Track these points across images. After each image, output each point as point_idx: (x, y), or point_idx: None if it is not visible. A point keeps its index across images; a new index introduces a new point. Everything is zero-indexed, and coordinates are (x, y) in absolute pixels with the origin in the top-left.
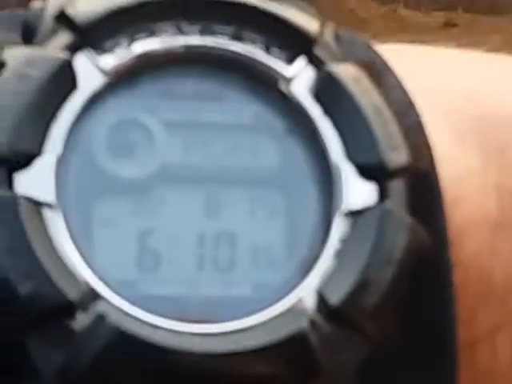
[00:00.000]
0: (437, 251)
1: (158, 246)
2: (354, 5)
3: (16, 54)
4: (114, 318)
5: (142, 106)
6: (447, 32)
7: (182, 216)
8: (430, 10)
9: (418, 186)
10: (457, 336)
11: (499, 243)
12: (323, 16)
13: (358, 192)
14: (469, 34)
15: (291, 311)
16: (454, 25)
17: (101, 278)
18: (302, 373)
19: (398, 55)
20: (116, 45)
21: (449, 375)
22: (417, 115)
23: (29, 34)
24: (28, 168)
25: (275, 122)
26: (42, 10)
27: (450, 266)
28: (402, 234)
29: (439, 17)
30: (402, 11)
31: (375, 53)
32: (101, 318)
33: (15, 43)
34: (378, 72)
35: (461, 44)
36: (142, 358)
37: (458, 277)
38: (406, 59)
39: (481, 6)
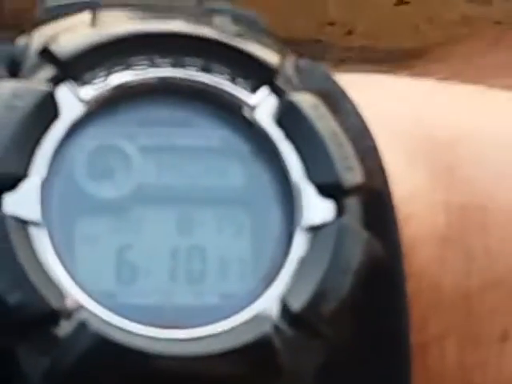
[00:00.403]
0: (391, 263)
1: (135, 260)
2: None
3: (3, 87)
4: (94, 326)
5: (119, 133)
6: (400, 9)
7: (156, 232)
8: None
9: (372, 203)
10: (409, 340)
11: (447, 255)
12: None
13: (317, 209)
14: (421, 10)
15: (257, 317)
16: (407, 2)
17: (83, 289)
18: (266, 374)
19: (354, 84)
20: (95, 77)
21: (402, 377)
22: (371, 139)
23: (14, 68)
24: (15, 190)
25: (241, 145)
26: (26, 45)
27: (403, 276)
28: (358, 246)
29: None
30: None
31: (333, 82)
32: (83, 325)
33: (2, 77)
34: (335, 99)
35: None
36: (119, 361)
37: (411, 286)
38: (361, 87)
39: None
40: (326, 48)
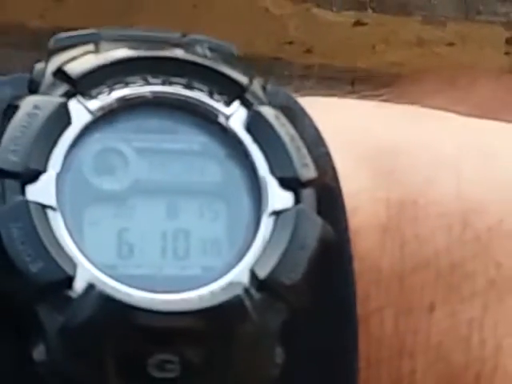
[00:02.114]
0: (340, 245)
1: (132, 240)
2: (269, 3)
3: (26, 101)
4: (100, 288)
5: (118, 138)
6: (358, 30)
7: (149, 218)
8: (341, 10)
9: (325, 195)
10: (355, 308)
11: (386, 242)
12: (239, 14)
13: (279, 198)
14: (377, 31)
15: (231, 284)
16: (364, 23)
17: (91, 262)
18: (238, 328)
19: (312, 103)
20: (100, 92)
21: (351, 340)
22: (325, 146)
23: (34, 87)
24: (36, 181)
25: (217, 148)
26: (43, 69)
27: (350, 257)
28: (312, 228)
29: (350, 16)
30: (315, 10)
31: (294, 100)
32: (91, 287)
33: (25, 94)
34: (295, 114)
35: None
36: (120, 316)
37: (355, 267)
38: (318, 106)
39: (389, 7)
40: (285, 65)
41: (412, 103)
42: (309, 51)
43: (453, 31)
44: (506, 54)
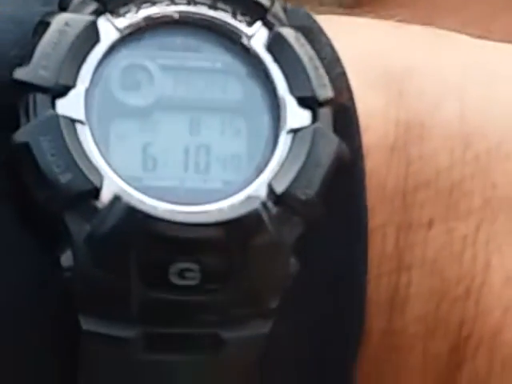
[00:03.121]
0: (354, 162)
1: (156, 154)
2: None
3: (57, 18)
4: (126, 199)
5: (145, 55)
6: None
7: (172, 133)
8: None
9: (341, 114)
10: (367, 225)
11: (392, 160)
12: None
13: (297, 116)
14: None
15: (249, 198)
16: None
17: (117, 174)
18: (256, 239)
19: (330, 23)
20: (127, 11)
21: (361, 253)
22: (342, 67)
23: (64, 5)
24: (65, 96)
25: (240, 67)
26: None
27: (363, 174)
28: (328, 146)
29: None
30: None
31: (313, 20)
32: (117, 198)
33: (55, 13)
34: (314, 34)
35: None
36: (144, 226)
37: None
38: (337, 25)
39: None
40: None
41: (426, 24)
42: None
43: None
44: None
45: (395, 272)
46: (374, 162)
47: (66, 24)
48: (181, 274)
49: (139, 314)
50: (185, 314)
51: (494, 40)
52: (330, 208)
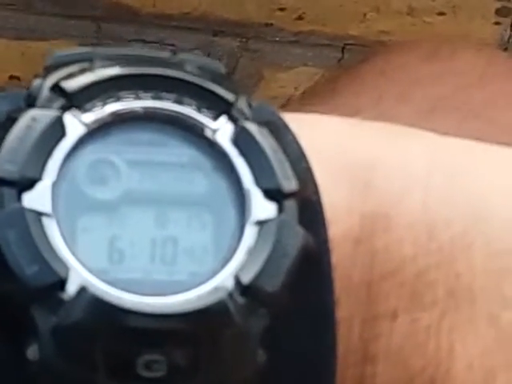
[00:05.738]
0: (320, 254)
1: (122, 246)
2: None
3: (24, 114)
4: (92, 291)
5: (111, 150)
6: None
7: (139, 226)
8: None
9: (306, 207)
10: (335, 316)
11: (357, 252)
12: None
13: (263, 208)
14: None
15: (216, 289)
16: None
17: (83, 266)
18: (222, 330)
19: (295, 119)
20: (94, 106)
21: (329, 344)
22: (307, 162)
23: (31, 102)
24: (32, 189)
25: (205, 161)
26: (41, 84)
27: (330, 266)
28: (294, 237)
29: None
30: None
31: (278, 116)
32: (83, 290)
33: (23, 109)
34: (279, 130)
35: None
36: (111, 317)
37: None
38: (301, 121)
39: None
40: (276, 32)
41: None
42: (300, 18)
43: (444, 1)
44: (496, 24)
45: (360, 364)
46: (340, 255)
47: (33, 119)
48: (148, 365)
49: None
50: None
51: None
52: (298, 300)
